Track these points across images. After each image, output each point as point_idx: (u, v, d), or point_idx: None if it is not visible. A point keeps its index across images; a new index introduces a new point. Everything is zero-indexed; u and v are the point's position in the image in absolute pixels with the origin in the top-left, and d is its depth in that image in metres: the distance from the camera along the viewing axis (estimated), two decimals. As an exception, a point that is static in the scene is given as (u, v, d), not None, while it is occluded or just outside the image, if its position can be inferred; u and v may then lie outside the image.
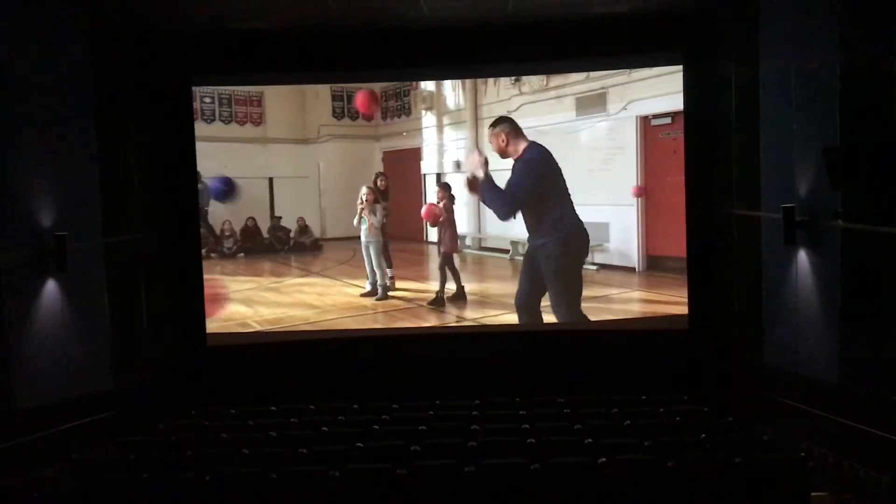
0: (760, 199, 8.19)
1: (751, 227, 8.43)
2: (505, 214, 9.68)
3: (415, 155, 11.40)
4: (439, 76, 10.12)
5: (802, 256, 7.42)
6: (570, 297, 9.76)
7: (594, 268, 10.48)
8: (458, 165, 10.65)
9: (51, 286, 7.66)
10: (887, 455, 6.10)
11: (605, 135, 10.35)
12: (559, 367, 9.32)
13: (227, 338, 9.81)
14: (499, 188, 9.59)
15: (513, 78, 10.51)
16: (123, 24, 8.82)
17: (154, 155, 9.41)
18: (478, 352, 9.57)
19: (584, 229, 9.69)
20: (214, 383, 9.37)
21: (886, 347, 6.21)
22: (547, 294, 9.75)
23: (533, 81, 10.47)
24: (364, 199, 10.72)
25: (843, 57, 6.60)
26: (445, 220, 10.71)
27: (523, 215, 9.71)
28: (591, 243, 10.03)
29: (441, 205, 10.70)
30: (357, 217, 10.74)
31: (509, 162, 9.67)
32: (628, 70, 9.89)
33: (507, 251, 11.24)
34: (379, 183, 10.95)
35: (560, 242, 9.61)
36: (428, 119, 11.36)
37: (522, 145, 9.71)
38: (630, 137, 10.12)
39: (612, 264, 10.56)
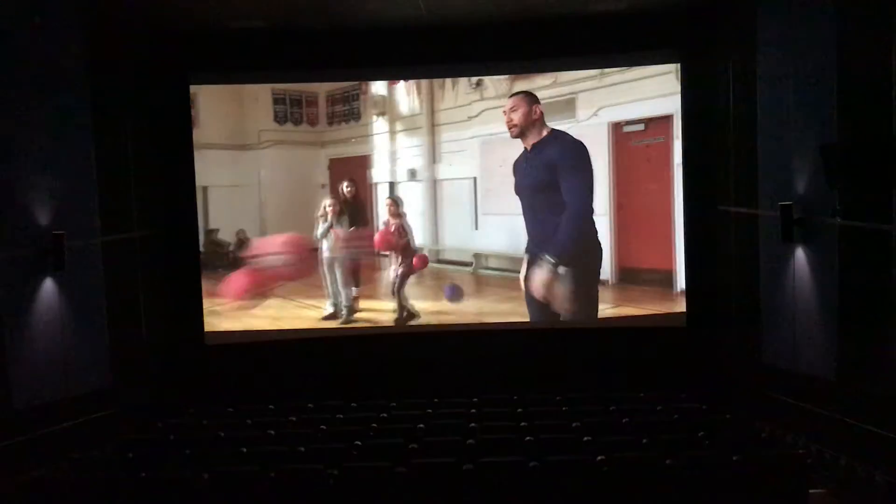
0: (758, 197, 8.20)
1: (748, 225, 8.45)
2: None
3: (363, 163, 10.47)
4: (437, 74, 10.02)
5: (800, 254, 7.43)
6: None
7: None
8: (413, 174, 10.31)
9: (48, 285, 7.66)
10: (885, 452, 6.11)
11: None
12: (557, 365, 9.33)
13: (225, 336, 9.80)
14: (570, 214, 9.40)
15: (474, 82, 10.10)
16: (121, 24, 8.81)
17: (152, 154, 9.41)
18: (476, 350, 9.57)
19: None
20: (212, 382, 9.38)
21: (883, 344, 6.22)
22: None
23: (495, 86, 10.05)
24: (328, 209, 10.09)
25: (839, 55, 6.61)
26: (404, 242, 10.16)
27: (537, 222, 9.55)
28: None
29: (393, 229, 10.15)
30: (323, 228, 10.11)
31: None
32: (599, 74, 9.72)
33: (469, 264, 10.41)
34: (346, 190, 10.22)
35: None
36: (379, 125, 10.48)
37: (546, 130, 9.61)
38: (601, 145, 9.79)
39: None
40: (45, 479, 6.13)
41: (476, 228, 10.13)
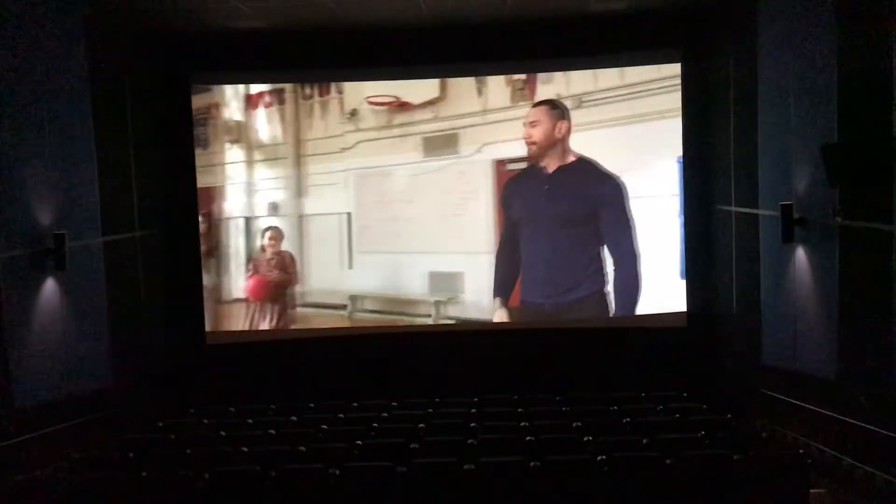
0: (758, 197, 8.21)
1: (749, 225, 8.45)
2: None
3: (210, 195, 9.80)
4: (438, 74, 9.97)
5: (800, 254, 7.43)
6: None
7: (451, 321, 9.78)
8: (275, 208, 9.76)
9: (50, 284, 7.66)
10: (885, 452, 6.11)
11: (456, 178, 9.70)
12: (558, 365, 9.33)
13: (226, 336, 9.81)
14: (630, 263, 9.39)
15: (348, 112, 9.76)
16: (123, 24, 8.82)
17: (153, 153, 9.42)
18: (477, 350, 9.57)
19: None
20: (213, 381, 9.38)
21: (884, 345, 6.22)
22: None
23: (372, 118, 9.78)
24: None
25: (840, 54, 6.61)
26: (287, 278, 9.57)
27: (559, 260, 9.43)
28: (443, 295, 9.61)
29: (273, 262, 9.68)
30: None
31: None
32: (482, 111, 9.61)
33: (343, 306, 9.83)
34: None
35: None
36: (234, 153, 9.83)
37: (573, 155, 9.42)
38: (485, 181, 9.60)
39: (467, 318, 9.77)
40: (45, 479, 6.14)
41: (350, 267, 9.66)
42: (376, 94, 9.79)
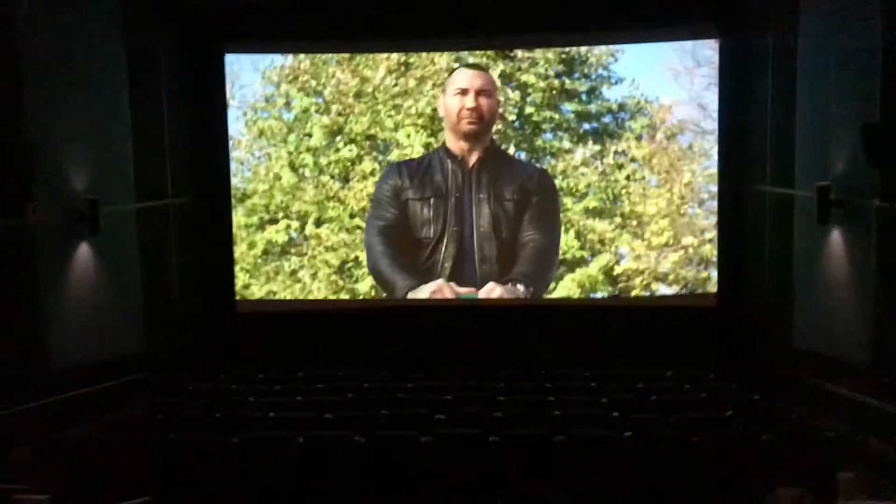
0: (795, 177, 8.07)
1: (784, 205, 8.31)
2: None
3: None
4: (473, 46, 9.77)
5: (836, 236, 7.31)
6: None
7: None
8: None
9: (84, 249, 7.77)
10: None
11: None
12: (587, 341, 9.29)
13: (256, 304, 9.88)
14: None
15: None
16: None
17: (186, 122, 9.46)
18: (505, 324, 9.56)
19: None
20: (243, 348, 9.47)
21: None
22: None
23: None
24: None
25: (885, 30, 6.44)
26: None
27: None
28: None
29: None
30: None
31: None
32: None
33: None
34: None
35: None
36: None
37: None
38: None
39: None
40: (78, 438, 6.27)
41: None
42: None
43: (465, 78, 9.52)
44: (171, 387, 8.00)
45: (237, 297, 9.89)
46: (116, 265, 8.22)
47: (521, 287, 9.48)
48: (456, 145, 9.53)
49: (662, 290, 9.65)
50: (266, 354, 9.20)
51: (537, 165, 9.65)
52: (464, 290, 9.48)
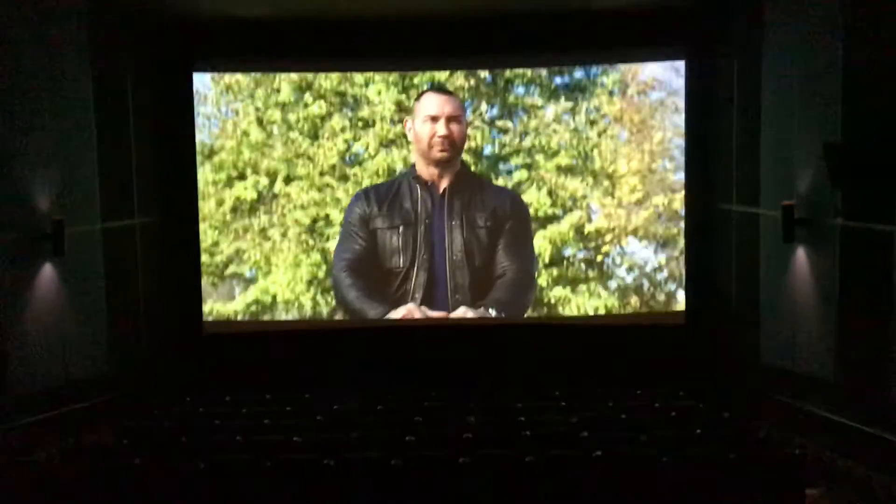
0: (760, 196, 8.18)
1: (750, 224, 8.42)
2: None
3: None
4: (441, 67, 9.88)
5: (801, 254, 7.40)
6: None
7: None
8: None
9: (48, 270, 7.63)
10: (882, 453, 6.10)
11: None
12: (556, 360, 9.31)
13: (223, 325, 9.78)
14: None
15: None
16: (125, 9, 8.76)
17: (153, 141, 9.38)
18: (475, 344, 9.55)
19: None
20: (211, 370, 9.37)
21: (883, 346, 6.21)
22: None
23: None
24: None
25: (846, 53, 6.57)
26: None
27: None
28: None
29: None
30: None
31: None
32: None
33: None
34: None
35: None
36: None
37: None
38: None
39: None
40: (41, 463, 6.13)
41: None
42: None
43: (435, 104, 9.48)
44: (137, 410, 7.87)
45: (204, 318, 9.79)
46: (81, 285, 8.09)
47: (493, 312, 9.44)
48: (426, 171, 9.48)
49: (633, 243, 9.66)
50: (233, 376, 9.10)
51: (508, 188, 9.64)
52: (435, 315, 9.40)
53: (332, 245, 9.70)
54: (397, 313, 9.45)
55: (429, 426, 6.67)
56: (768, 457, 5.86)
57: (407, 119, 9.58)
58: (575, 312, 9.66)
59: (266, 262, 9.78)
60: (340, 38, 9.51)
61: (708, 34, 9.28)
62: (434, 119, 9.39)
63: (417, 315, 9.39)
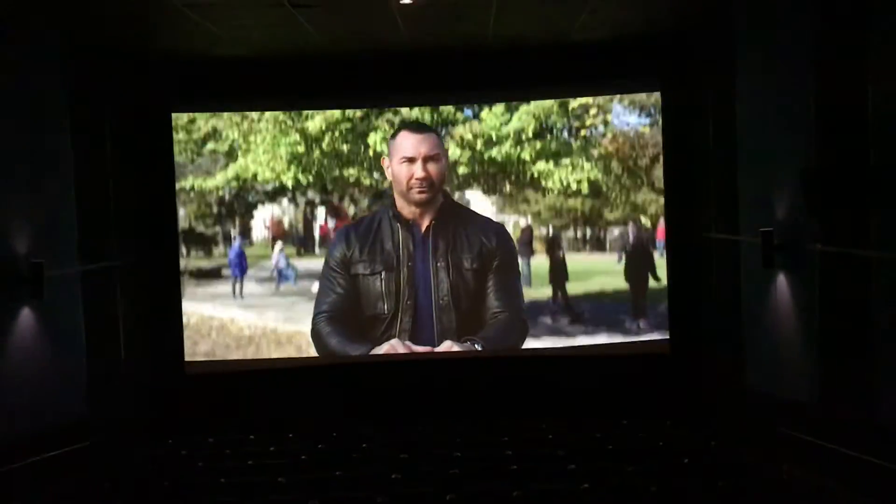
0: (739, 224, 8.25)
1: (731, 251, 8.48)
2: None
3: None
4: (420, 102, 9.91)
5: (781, 280, 7.45)
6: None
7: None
8: None
9: (26, 314, 7.53)
10: (867, 477, 6.09)
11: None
12: (540, 392, 9.27)
13: (205, 366, 9.68)
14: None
15: None
16: (102, 50, 8.77)
17: (133, 181, 9.34)
18: (460, 378, 9.50)
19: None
20: (192, 411, 9.24)
21: (864, 369, 6.23)
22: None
23: None
24: None
25: (818, 81, 6.68)
26: None
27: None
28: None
29: None
30: None
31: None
32: None
33: None
34: None
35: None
36: None
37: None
38: None
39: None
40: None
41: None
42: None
43: (411, 145, 9.18)
44: (118, 453, 7.75)
45: (186, 359, 9.69)
46: (60, 328, 7.98)
47: (478, 347, 9.34)
48: (407, 209, 9.23)
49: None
50: (216, 417, 8.99)
51: (493, 220, 9.58)
52: (419, 349, 9.30)
53: (311, 125, 9.40)
54: (381, 349, 9.32)
55: (414, 463, 6.60)
56: (756, 483, 5.84)
57: (384, 157, 9.42)
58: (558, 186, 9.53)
59: (244, 140, 9.56)
60: (319, 76, 9.57)
61: (683, 65, 9.41)
62: (411, 161, 9.08)
63: (401, 350, 9.25)
